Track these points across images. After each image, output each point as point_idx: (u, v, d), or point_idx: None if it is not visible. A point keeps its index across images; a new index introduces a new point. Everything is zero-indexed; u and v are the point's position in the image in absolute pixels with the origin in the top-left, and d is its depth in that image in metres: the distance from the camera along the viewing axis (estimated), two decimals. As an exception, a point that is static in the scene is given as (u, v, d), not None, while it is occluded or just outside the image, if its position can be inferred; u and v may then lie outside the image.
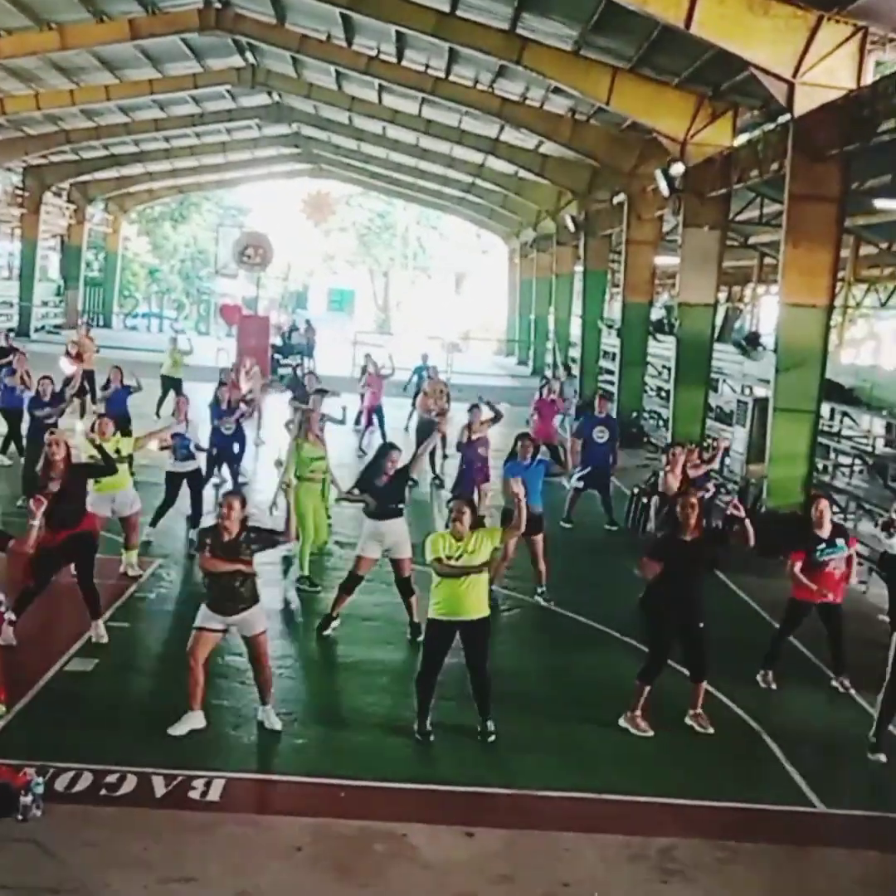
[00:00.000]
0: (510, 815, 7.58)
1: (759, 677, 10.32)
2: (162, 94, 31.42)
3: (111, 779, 7.52)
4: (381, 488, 10.71)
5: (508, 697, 9.42)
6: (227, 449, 15.40)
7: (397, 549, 10.70)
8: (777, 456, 15.85)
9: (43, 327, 42.74)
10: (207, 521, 13.33)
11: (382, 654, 10.52)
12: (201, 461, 14.15)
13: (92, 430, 11.87)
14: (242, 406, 15.84)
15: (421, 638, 9.79)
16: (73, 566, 10.18)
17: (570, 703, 9.52)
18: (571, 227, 31.12)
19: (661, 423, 26.84)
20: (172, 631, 10.70)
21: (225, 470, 15.73)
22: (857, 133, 14.15)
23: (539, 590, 12.39)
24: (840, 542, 10.15)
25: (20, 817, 6.84)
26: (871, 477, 19.26)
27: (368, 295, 73.44)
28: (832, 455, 20.25)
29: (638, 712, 9.03)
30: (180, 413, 13.75)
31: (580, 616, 11.94)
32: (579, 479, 16.26)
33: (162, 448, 13.38)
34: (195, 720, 8.40)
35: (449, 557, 8.46)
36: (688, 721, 9.15)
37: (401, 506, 10.89)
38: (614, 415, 26.08)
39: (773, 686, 10.27)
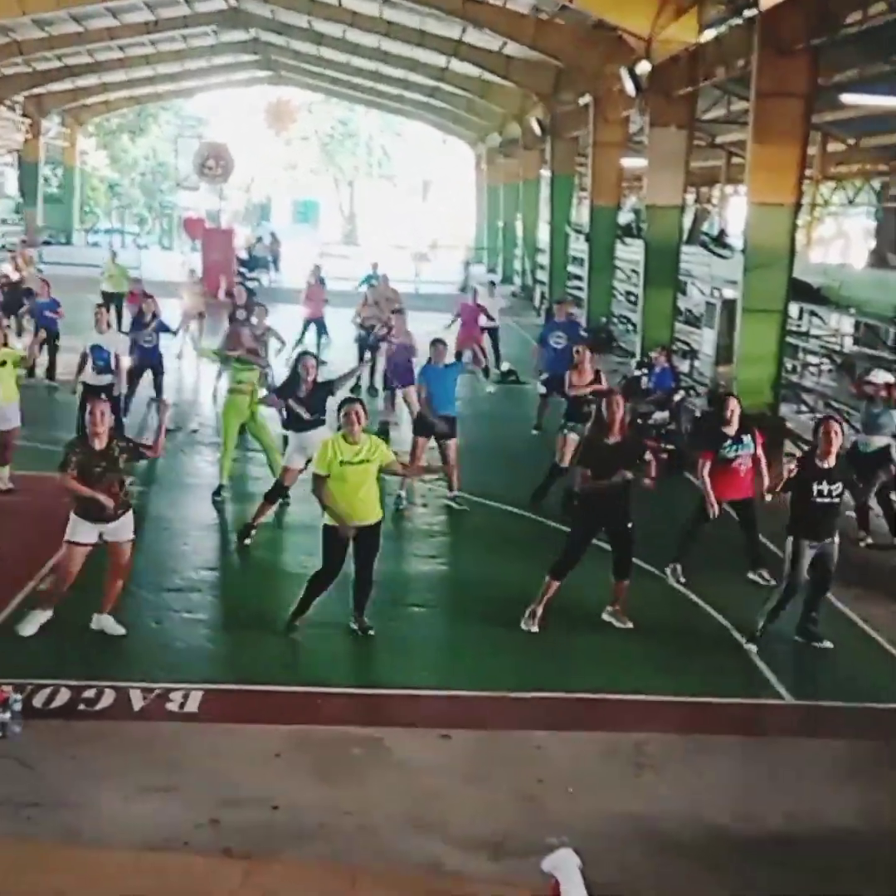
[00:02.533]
0: (484, 717, 7.69)
1: (667, 571, 10.41)
2: (114, 1, 30.54)
3: (89, 694, 7.57)
4: (302, 399, 10.70)
5: (477, 602, 9.54)
6: (146, 362, 15.30)
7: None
8: (745, 357, 15.89)
9: (2, 246, 42.05)
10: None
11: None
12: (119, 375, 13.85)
13: None
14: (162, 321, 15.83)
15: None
16: None
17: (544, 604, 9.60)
18: (537, 130, 30.73)
19: (630, 327, 26.81)
20: (146, 548, 10.68)
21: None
22: (823, 26, 13.96)
23: (453, 495, 12.45)
24: (747, 439, 10.21)
25: (0, 734, 6.89)
26: (839, 376, 19.36)
27: (334, 205, 72.50)
28: (800, 355, 20.32)
29: (538, 608, 9.10)
30: (100, 323, 13.63)
31: (544, 518, 11.99)
32: (542, 383, 16.29)
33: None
34: (43, 617, 8.43)
35: (344, 463, 8.48)
36: (605, 616, 9.23)
37: (322, 416, 10.87)
38: (584, 320, 26.18)
39: (682, 579, 10.34)
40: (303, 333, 21.21)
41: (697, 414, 16.84)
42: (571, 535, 9.33)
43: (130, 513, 8.54)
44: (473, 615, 9.33)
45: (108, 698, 7.54)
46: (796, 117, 15.02)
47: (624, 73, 19.87)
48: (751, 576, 10.45)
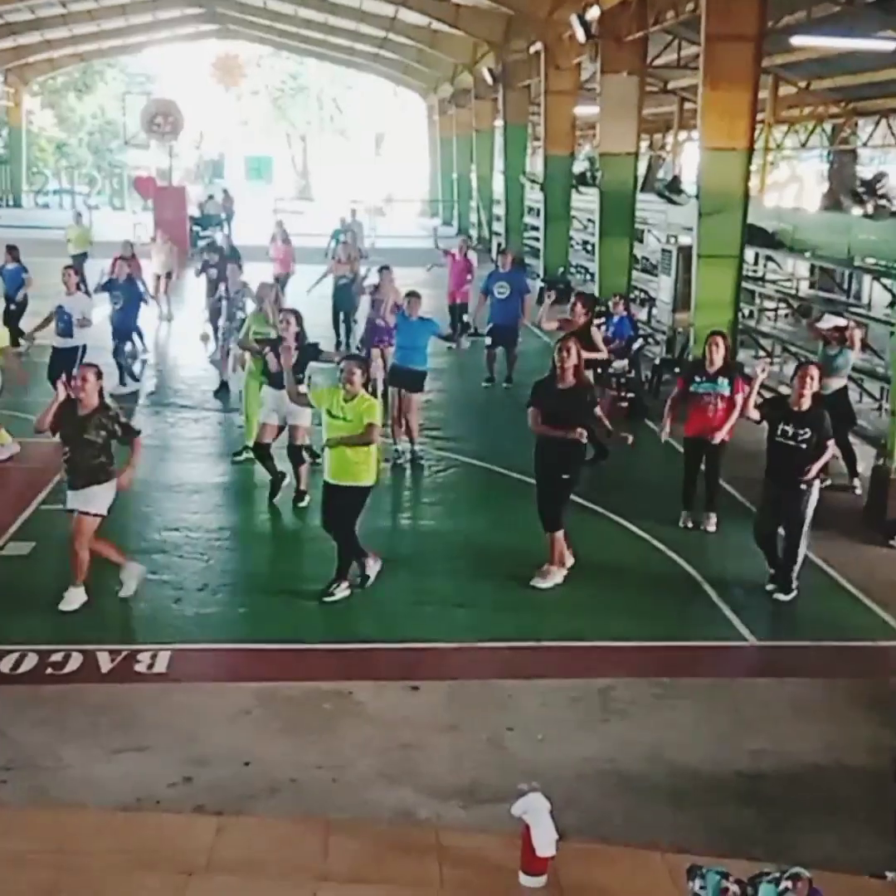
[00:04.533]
0: (452, 668, 7.76)
1: (681, 521, 10.54)
2: (54, -44, 29.91)
3: (56, 658, 7.56)
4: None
5: (443, 555, 9.58)
6: (123, 322, 15.18)
7: (293, 416, 10.62)
8: (702, 303, 15.91)
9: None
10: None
11: (315, 521, 10.57)
12: (86, 337, 13.72)
13: None
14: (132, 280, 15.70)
15: (302, 503, 10.44)
16: None
17: (504, 556, 9.66)
18: (489, 79, 30.48)
19: (588, 276, 26.79)
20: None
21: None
22: (772, -33, 13.90)
23: (408, 446, 12.49)
24: (722, 380, 10.27)
25: (-33, 701, 6.88)
26: (795, 320, 19.47)
27: (287, 161, 71.73)
28: (757, 300, 20.40)
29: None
30: (68, 286, 13.46)
31: (510, 471, 12.01)
32: (488, 335, 16.29)
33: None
34: (81, 594, 8.39)
35: (330, 412, 8.56)
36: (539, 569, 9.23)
37: (300, 376, 10.81)
38: (541, 271, 26.16)
39: (689, 525, 10.49)
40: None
41: (656, 361, 16.94)
42: (538, 492, 9.33)
43: (101, 487, 8.35)
44: (439, 568, 9.36)
45: (75, 662, 7.53)
46: (747, 61, 14.95)
47: (574, 19, 19.73)
48: (700, 519, 10.57)
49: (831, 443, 8.88)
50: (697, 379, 10.36)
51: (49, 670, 7.43)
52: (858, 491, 11.83)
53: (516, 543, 9.95)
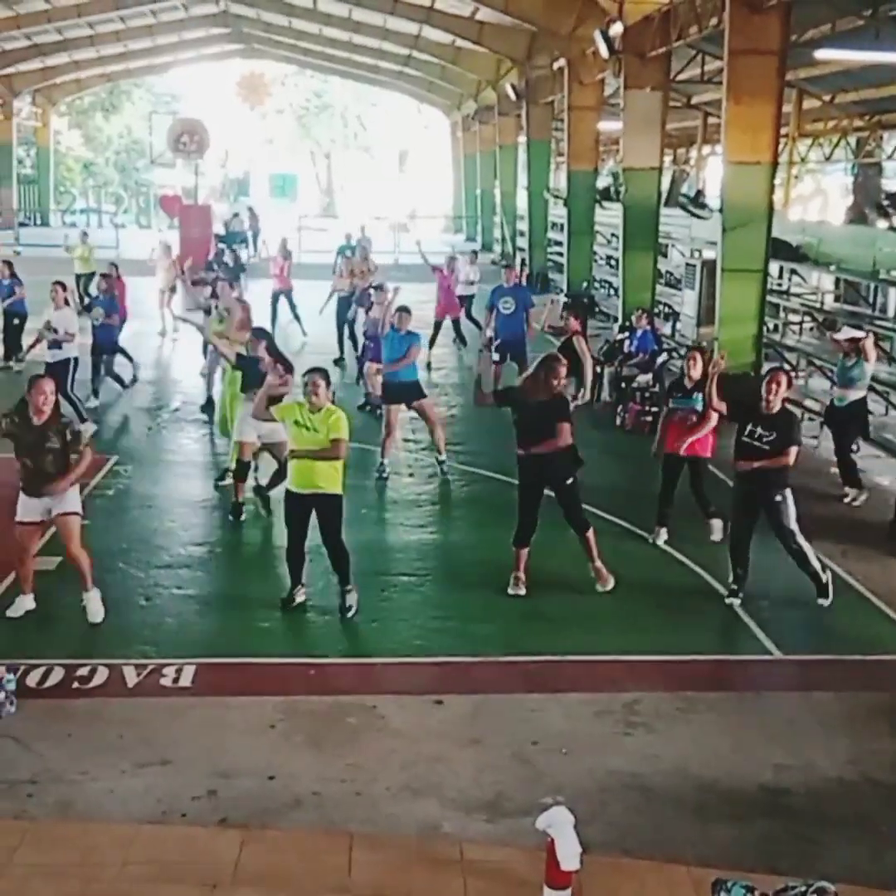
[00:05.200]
0: (477, 682, 7.75)
1: (652, 538, 10.47)
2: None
3: (82, 672, 7.60)
4: (260, 373, 10.54)
5: (466, 569, 9.58)
6: (104, 340, 15.25)
7: (271, 434, 10.48)
8: (727, 317, 15.91)
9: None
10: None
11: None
12: (76, 351, 13.94)
13: None
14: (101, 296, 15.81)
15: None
16: None
17: (531, 569, 9.65)
18: (512, 96, 30.60)
19: (611, 291, 26.80)
20: (132, 526, 10.74)
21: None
22: (795, -18, 13.92)
23: (439, 459, 12.62)
24: (697, 396, 10.21)
25: (-6, 714, 6.93)
26: (820, 333, 19.41)
27: (311, 178, 72.06)
28: (782, 313, 20.36)
29: (519, 574, 9.19)
30: (56, 301, 13.61)
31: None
32: (495, 350, 16.30)
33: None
34: (27, 602, 8.48)
35: (298, 423, 8.56)
36: (592, 575, 9.29)
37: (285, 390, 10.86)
38: (565, 285, 26.18)
39: (660, 541, 10.41)
40: (273, 309, 21.20)
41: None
42: (519, 502, 9.34)
43: (65, 486, 8.36)
44: (462, 581, 9.36)
45: (101, 676, 7.58)
46: (770, 74, 14.99)
47: (597, 35, 19.80)
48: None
49: (794, 450, 8.86)
50: (676, 395, 10.38)
51: (75, 684, 7.47)
52: (855, 502, 11.77)
53: (538, 557, 9.93)
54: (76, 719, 7.03)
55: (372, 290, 15.70)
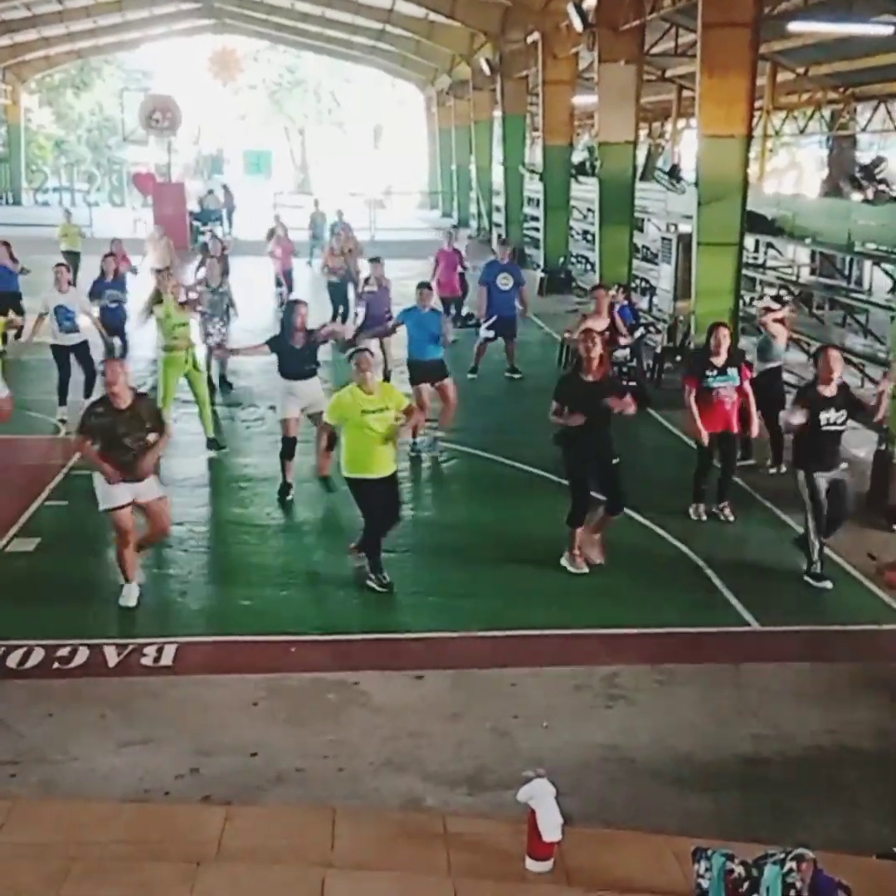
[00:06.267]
0: (457, 657, 7.80)
1: (690, 511, 10.53)
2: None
3: (63, 652, 7.61)
4: (295, 349, 10.66)
5: (450, 544, 9.60)
6: (112, 321, 15.03)
7: (314, 407, 10.61)
8: (703, 291, 15.93)
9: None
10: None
11: (320, 514, 10.64)
12: (89, 333, 13.80)
13: None
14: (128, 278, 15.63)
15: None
16: None
17: (508, 546, 9.71)
18: (487, 70, 30.48)
19: (588, 266, 26.79)
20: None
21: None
22: (768, -46, 13.89)
23: (419, 438, 12.52)
24: (732, 371, 10.25)
25: (-25, 696, 6.92)
26: (796, 307, 19.46)
27: (285, 155, 71.62)
28: (758, 287, 20.39)
29: (576, 551, 9.22)
30: (60, 283, 13.49)
31: (514, 461, 12.07)
32: (488, 327, 16.24)
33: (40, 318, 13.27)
34: (134, 590, 8.46)
35: (366, 412, 8.51)
36: (586, 550, 9.29)
37: (314, 367, 10.86)
38: (542, 261, 26.16)
39: (704, 518, 10.48)
40: (290, 286, 21.11)
41: (658, 350, 16.94)
42: (570, 481, 9.35)
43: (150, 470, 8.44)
44: (443, 558, 9.39)
45: (82, 656, 7.59)
46: (744, 47, 14.95)
47: (571, 8, 19.73)
48: (714, 509, 10.56)
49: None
50: (709, 373, 10.26)
51: (56, 664, 7.48)
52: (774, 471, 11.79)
53: (519, 533, 10.00)
54: (58, 699, 7.04)
55: (372, 264, 15.58)
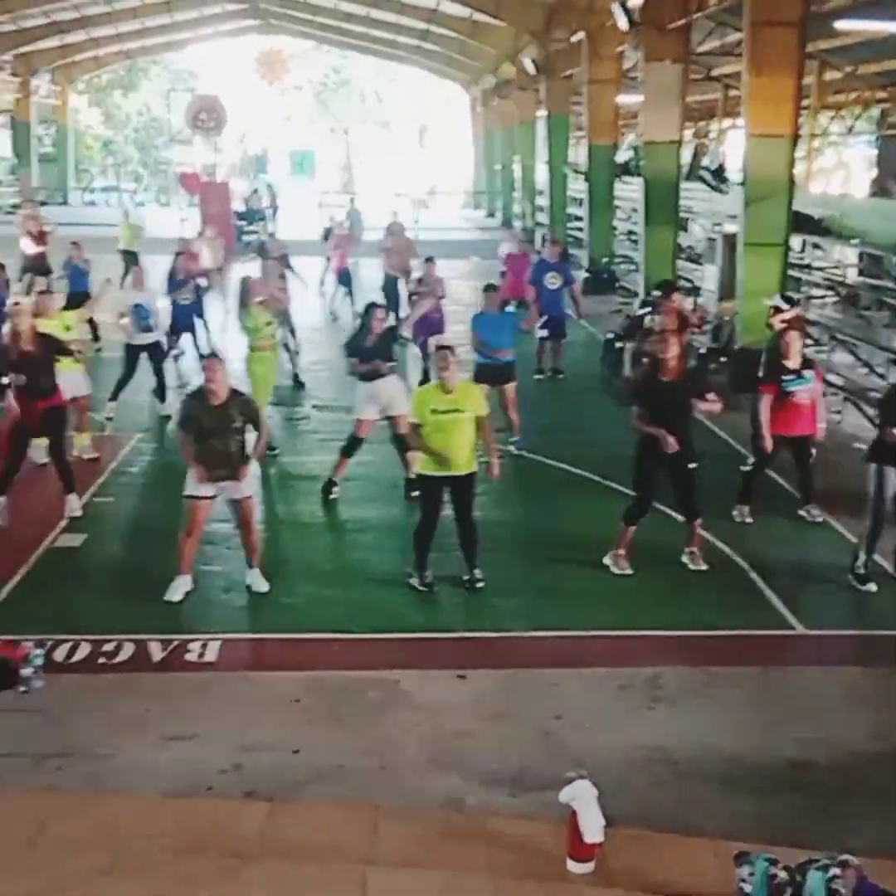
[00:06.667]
0: (500, 657, 7.80)
1: (734, 512, 10.42)
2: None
3: (108, 647, 7.67)
4: (370, 348, 10.70)
5: (493, 544, 9.58)
6: (184, 320, 15.05)
7: (393, 405, 10.62)
8: (748, 292, 15.81)
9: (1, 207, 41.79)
10: (172, 394, 13.41)
11: (365, 512, 10.66)
12: (161, 334, 13.84)
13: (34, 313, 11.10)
14: (201, 278, 15.59)
15: (415, 493, 9.86)
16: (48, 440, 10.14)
17: (553, 546, 9.68)
18: (532, 70, 30.40)
19: (632, 266, 26.67)
20: (155, 502, 10.78)
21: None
22: (816, -49, 13.78)
23: (511, 439, 12.40)
24: (808, 374, 10.12)
25: (22, 688, 6.99)
26: (843, 308, 19.27)
27: (330, 154, 71.86)
28: (804, 287, 20.22)
29: (621, 551, 9.18)
30: (137, 283, 13.57)
31: (558, 462, 12.04)
32: (541, 327, 16.19)
33: (121, 318, 13.29)
34: (186, 584, 8.54)
35: (436, 411, 8.50)
36: (683, 559, 9.24)
37: (391, 364, 10.89)
38: (585, 261, 26.07)
39: (748, 520, 10.39)
40: (348, 287, 21.16)
41: (702, 350, 16.82)
42: (636, 481, 9.31)
43: (249, 470, 8.58)
44: (487, 557, 9.36)
45: (127, 651, 7.64)
46: (791, 46, 14.84)
47: (616, 7, 19.64)
48: (800, 512, 10.45)
49: None
50: (786, 378, 10.09)
51: (102, 659, 7.55)
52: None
53: (561, 533, 9.98)
54: (103, 694, 7.10)
55: (426, 264, 15.59)
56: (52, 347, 10.10)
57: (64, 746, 6.46)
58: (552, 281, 16.38)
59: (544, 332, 16.25)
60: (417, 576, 8.77)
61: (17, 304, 10.61)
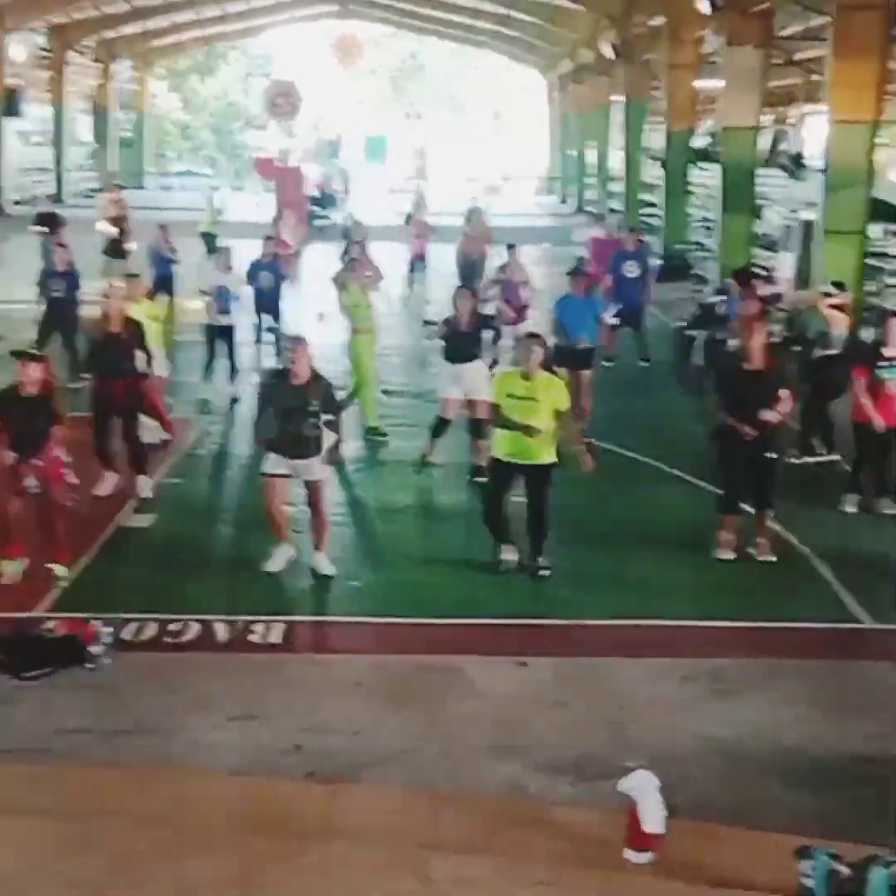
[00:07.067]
0: (563, 645, 7.78)
1: (846, 501, 10.25)
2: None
3: (175, 627, 7.78)
4: (459, 332, 10.76)
5: (558, 532, 9.53)
6: (263, 301, 15.10)
7: (475, 390, 10.65)
8: (826, 280, 15.54)
9: (78, 192, 42.36)
10: (244, 376, 13.52)
11: (434, 498, 10.69)
12: (237, 317, 13.91)
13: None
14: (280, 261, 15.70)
15: (481, 479, 9.91)
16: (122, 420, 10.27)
17: (618, 535, 9.63)
18: (610, 54, 30.11)
19: (707, 254, 26.35)
20: (225, 484, 10.93)
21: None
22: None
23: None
24: None
25: (91, 666, 7.11)
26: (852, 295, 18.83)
27: (403, 140, 71.89)
28: (883, 276, 19.82)
29: (730, 536, 9.09)
30: (223, 265, 13.70)
31: (626, 450, 11.95)
32: (614, 315, 16.07)
33: (204, 297, 13.47)
34: (287, 551, 8.68)
35: (511, 396, 8.47)
36: (749, 549, 9.14)
37: (476, 351, 10.93)
38: (660, 248, 25.82)
39: (853, 510, 10.21)
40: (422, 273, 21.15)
41: (778, 340, 16.56)
42: (721, 471, 9.28)
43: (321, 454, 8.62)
44: (552, 545, 9.33)
45: (193, 631, 7.75)
46: (877, 29, 14.59)
47: (698, -8, 19.41)
48: (874, 505, 10.26)
49: None
50: (881, 364, 9.91)
51: (168, 639, 7.65)
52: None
53: (629, 521, 9.90)
54: (169, 673, 7.20)
55: (508, 250, 15.49)
56: (138, 336, 10.22)
57: (130, 724, 6.55)
58: (630, 269, 16.26)
59: (616, 321, 16.13)
60: (496, 553, 8.80)
61: (111, 286, 10.75)
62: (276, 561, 8.63)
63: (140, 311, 10.96)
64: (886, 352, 9.91)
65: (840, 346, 11.91)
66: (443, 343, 11.07)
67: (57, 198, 38.15)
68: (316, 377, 8.55)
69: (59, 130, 41.24)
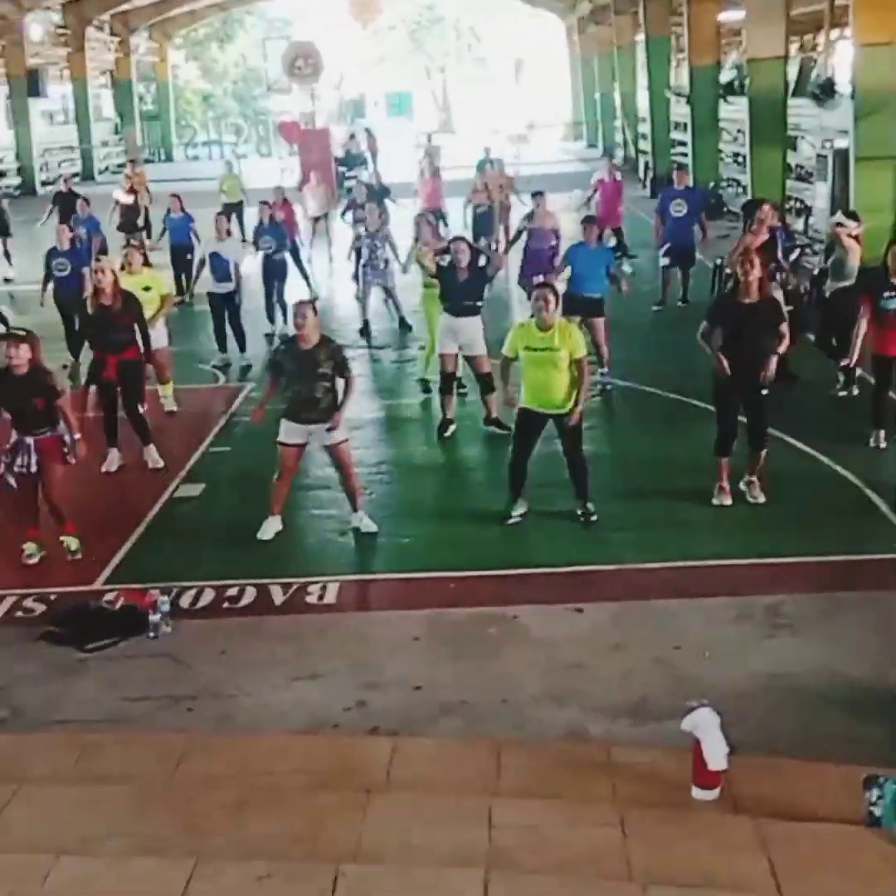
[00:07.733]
0: (617, 589, 7.78)
1: (871, 438, 10.06)
2: None
3: (232, 592, 7.87)
4: (458, 283, 10.67)
5: (601, 477, 9.53)
6: (269, 267, 15.23)
7: (470, 346, 10.66)
8: (861, 208, 15.24)
9: (106, 168, 42.47)
10: (251, 342, 13.61)
11: (473, 452, 10.73)
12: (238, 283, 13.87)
13: (121, 265, 11.42)
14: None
15: (501, 431, 9.96)
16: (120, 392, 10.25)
17: (661, 475, 9.60)
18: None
19: (740, 189, 26.01)
20: (270, 449, 10.92)
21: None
22: None
23: (600, 371, 12.17)
24: None
25: (151, 635, 7.22)
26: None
27: (427, 95, 71.33)
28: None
29: (723, 484, 9.00)
30: (220, 232, 13.71)
31: (664, 391, 11.88)
32: (664, 255, 15.93)
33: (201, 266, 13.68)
34: (276, 524, 8.71)
35: (528, 348, 8.45)
36: (741, 486, 9.03)
37: (478, 304, 10.82)
38: (691, 184, 25.49)
39: (883, 444, 10.04)
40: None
41: (815, 272, 16.36)
42: (716, 408, 9.18)
43: (341, 417, 8.62)
44: (599, 491, 9.30)
45: (249, 595, 7.83)
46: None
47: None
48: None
49: None
50: (887, 294, 9.73)
51: (226, 604, 7.75)
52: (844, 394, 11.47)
53: (675, 463, 9.86)
54: (228, 638, 7.29)
55: (534, 199, 15.32)
56: (134, 308, 10.19)
57: (193, 689, 6.66)
58: (677, 209, 16.10)
59: (667, 261, 15.99)
60: (508, 509, 8.79)
61: (99, 259, 10.78)
62: (267, 531, 8.66)
63: (134, 282, 10.95)
64: (894, 281, 9.73)
65: (854, 277, 11.74)
66: (442, 295, 10.90)
67: (88, 175, 38.29)
68: (325, 340, 8.55)
69: (85, 108, 41.31)
